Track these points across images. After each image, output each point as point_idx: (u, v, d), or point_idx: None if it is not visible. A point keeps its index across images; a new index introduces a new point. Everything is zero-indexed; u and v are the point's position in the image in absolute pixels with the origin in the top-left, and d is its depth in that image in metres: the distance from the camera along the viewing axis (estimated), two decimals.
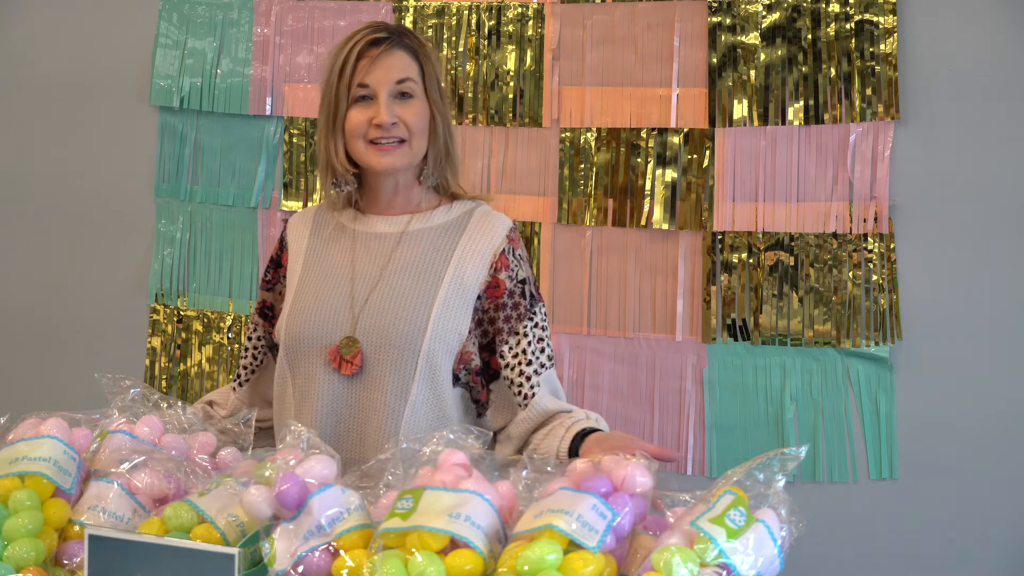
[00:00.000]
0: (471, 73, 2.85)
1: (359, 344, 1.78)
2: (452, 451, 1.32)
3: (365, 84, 1.81)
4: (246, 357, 2.01)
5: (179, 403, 1.65)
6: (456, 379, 1.83)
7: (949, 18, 2.57)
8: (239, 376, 2.02)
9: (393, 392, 1.77)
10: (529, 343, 1.83)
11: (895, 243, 2.61)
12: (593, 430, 1.73)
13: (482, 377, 1.86)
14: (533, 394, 1.82)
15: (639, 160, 2.76)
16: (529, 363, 1.82)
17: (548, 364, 1.86)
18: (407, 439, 1.39)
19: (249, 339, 2.02)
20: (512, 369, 1.82)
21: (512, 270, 1.84)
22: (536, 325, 1.85)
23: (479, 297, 1.82)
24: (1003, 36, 2.55)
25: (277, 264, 1.98)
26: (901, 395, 2.61)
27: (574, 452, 1.70)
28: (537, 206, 2.81)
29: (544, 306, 1.89)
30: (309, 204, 2.94)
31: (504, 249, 1.85)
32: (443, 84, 1.89)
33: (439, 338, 1.78)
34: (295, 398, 1.84)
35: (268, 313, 1.99)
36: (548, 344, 1.87)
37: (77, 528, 1.38)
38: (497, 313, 1.83)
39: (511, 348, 1.82)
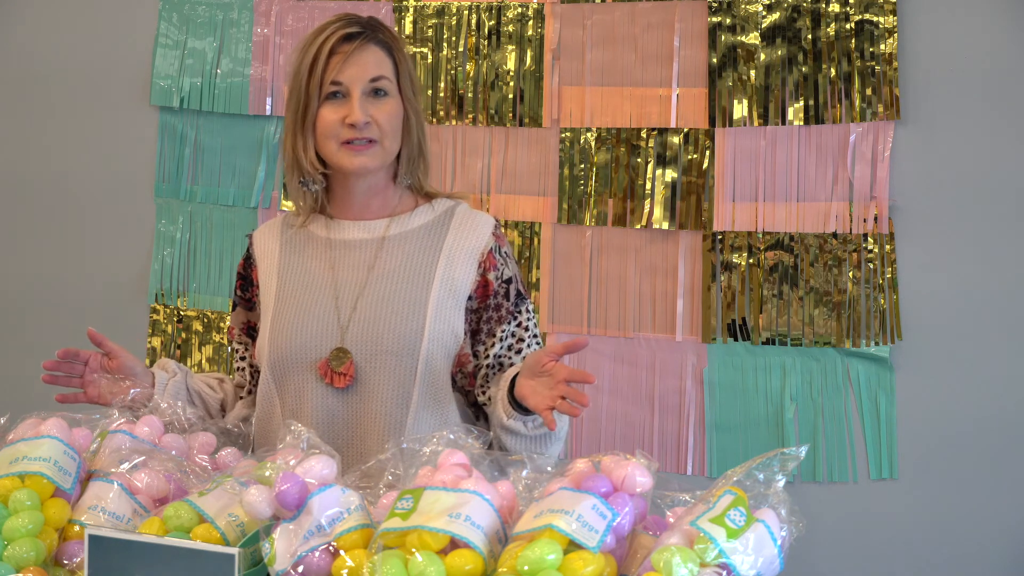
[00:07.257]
0: (471, 73, 2.85)
1: (350, 355, 1.71)
2: (452, 451, 1.32)
3: (338, 82, 1.72)
4: (238, 377, 1.95)
5: (179, 403, 1.65)
6: (453, 383, 1.78)
7: (949, 18, 2.57)
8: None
9: (393, 401, 1.71)
10: (506, 343, 1.79)
11: (895, 243, 2.61)
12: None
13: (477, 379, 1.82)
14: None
15: (639, 160, 2.75)
16: (501, 364, 1.79)
17: None
18: (407, 439, 1.38)
19: (236, 362, 1.95)
20: (484, 367, 1.79)
21: (499, 269, 1.80)
22: (520, 325, 1.80)
23: (470, 298, 1.78)
24: (1003, 35, 2.55)
25: (250, 282, 1.89)
26: (901, 395, 2.61)
27: (515, 400, 1.65)
28: (537, 206, 2.81)
29: (530, 303, 1.84)
30: None
31: (492, 248, 1.80)
32: (416, 79, 1.82)
33: (437, 340, 1.73)
34: (284, 417, 1.75)
35: (255, 333, 1.90)
36: (531, 344, 1.81)
37: (77, 528, 1.38)
38: (482, 314, 1.79)
39: (486, 348, 1.79)
